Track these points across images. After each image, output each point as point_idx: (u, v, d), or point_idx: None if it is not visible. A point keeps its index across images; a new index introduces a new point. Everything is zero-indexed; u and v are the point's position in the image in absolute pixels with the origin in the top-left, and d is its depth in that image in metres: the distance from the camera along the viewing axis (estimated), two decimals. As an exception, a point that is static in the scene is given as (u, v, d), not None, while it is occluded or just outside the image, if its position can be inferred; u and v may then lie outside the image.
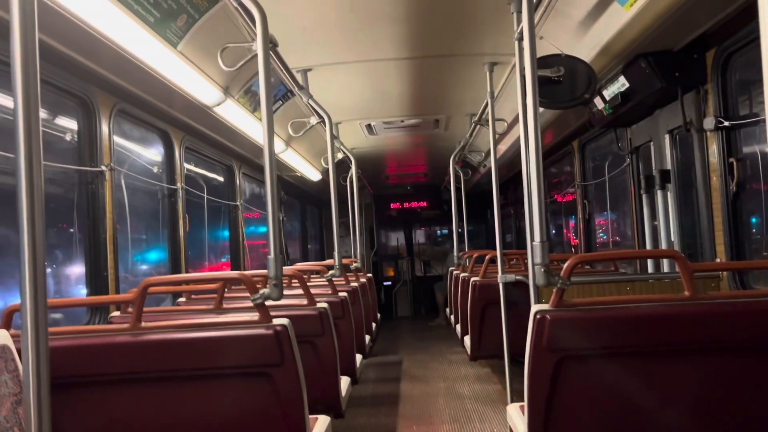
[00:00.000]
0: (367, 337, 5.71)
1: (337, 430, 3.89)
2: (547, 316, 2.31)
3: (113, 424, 2.39)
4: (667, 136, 4.12)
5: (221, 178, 6.37)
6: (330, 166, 4.93)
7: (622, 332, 2.34)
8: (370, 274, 7.78)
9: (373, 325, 6.71)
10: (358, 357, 4.64)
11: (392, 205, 13.27)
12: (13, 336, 2.26)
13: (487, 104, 4.68)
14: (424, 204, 13.24)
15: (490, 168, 4.49)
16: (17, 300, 2.78)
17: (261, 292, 2.41)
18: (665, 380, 2.36)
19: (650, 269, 4.64)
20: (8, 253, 3.32)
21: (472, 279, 5.10)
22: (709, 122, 3.45)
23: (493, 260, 5.01)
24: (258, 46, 2.58)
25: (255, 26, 2.66)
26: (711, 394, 2.33)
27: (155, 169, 4.75)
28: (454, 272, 6.76)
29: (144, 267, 4.93)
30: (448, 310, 7.93)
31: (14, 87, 1.28)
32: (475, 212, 9.80)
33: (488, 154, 8.04)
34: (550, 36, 3.87)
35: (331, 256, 4.77)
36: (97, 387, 2.35)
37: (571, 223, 8.12)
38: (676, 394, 2.35)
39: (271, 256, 2.48)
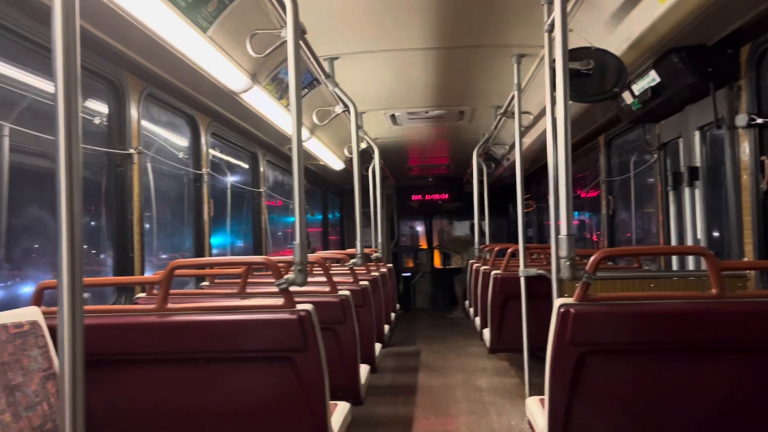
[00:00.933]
0: (386, 327, 5.73)
1: (356, 418, 3.92)
2: (572, 310, 2.30)
3: (138, 403, 2.43)
4: (697, 133, 4.06)
5: (246, 165, 6.41)
6: (354, 156, 4.93)
7: (647, 328, 2.32)
8: (390, 265, 7.79)
9: (392, 315, 6.73)
10: (377, 346, 4.66)
11: (413, 197, 13.25)
12: (44, 313, 2.30)
13: (513, 96, 4.65)
14: (446, 196, 13.20)
15: (514, 161, 4.47)
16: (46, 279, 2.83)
17: (286, 277, 2.43)
18: (689, 378, 2.34)
19: (675, 267, 4.59)
20: (38, 233, 3.38)
21: (494, 272, 5.09)
22: (741, 119, 3.39)
23: (514, 254, 5.00)
24: (288, 33, 2.59)
25: (285, 13, 2.67)
26: (736, 394, 2.30)
27: (180, 155, 4.80)
28: (475, 265, 6.75)
29: (167, 253, 4.99)
30: (467, 302, 7.92)
31: (55, 72, 1.30)
32: (497, 206, 9.75)
33: (512, 147, 7.98)
34: (581, 28, 3.82)
35: (351, 246, 4.80)
36: (123, 366, 2.39)
37: (587, 219, 8.06)
38: (700, 393, 2.33)
39: (297, 241, 2.50)
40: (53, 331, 2.26)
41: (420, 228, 13.63)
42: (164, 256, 4.90)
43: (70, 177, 1.26)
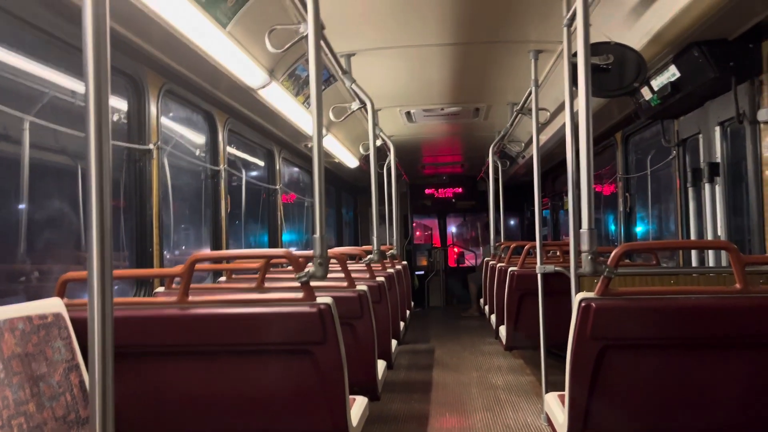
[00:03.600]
0: (402, 324, 5.73)
1: (373, 413, 3.92)
2: (593, 304, 2.29)
3: (159, 395, 2.45)
4: (717, 128, 4.02)
5: (261, 162, 6.43)
6: (371, 152, 4.93)
7: (669, 323, 2.31)
8: (405, 262, 7.79)
9: (407, 312, 6.73)
10: (393, 342, 4.66)
11: (427, 194, 13.23)
12: (66, 305, 2.33)
13: (530, 93, 4.63)
14: (460, 194, 13.17)
15: (529, 159, 4.46)
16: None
17: (306, 270, 2.43)
18: (712, 373, 2.32)
19: (694, 263, 4.55)
20: (61, 227, 3.42)
21: (510, 269, 5.07)
22: (763, 114, 3.36)
23: (530, 251, 4.98)
24: (309, 29, 2.58)
25: (305, 8, 2.67)
26: (760, 389, 2.28)
27: (197, 152, 4.83)
28: (491, 263, 6.73)
29: (182, 247, 5.03)
30: (481, 300, 7.90)
31: (85, 70, 1.31)
32: (511, 204, 9.72)
33: (528, 144, 7.96)
34: (599, 22, 3.80)
35: (366, 243, 4.80)
36: (145, 357, 2.41)
37: (602, 217, 8.00)
38: (724, 388, 2.30)
39: (317, 235, 2.50)
40: (76, 322, 2.28)
41: (434, 226, 13.61)
42: (177, 253, 4.94)
43: (100, 171, 1.28)
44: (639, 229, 6.17)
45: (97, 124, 1.31)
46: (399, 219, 7.27)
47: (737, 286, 2.28)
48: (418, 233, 13.73)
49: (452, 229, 13.75)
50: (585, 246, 2.45)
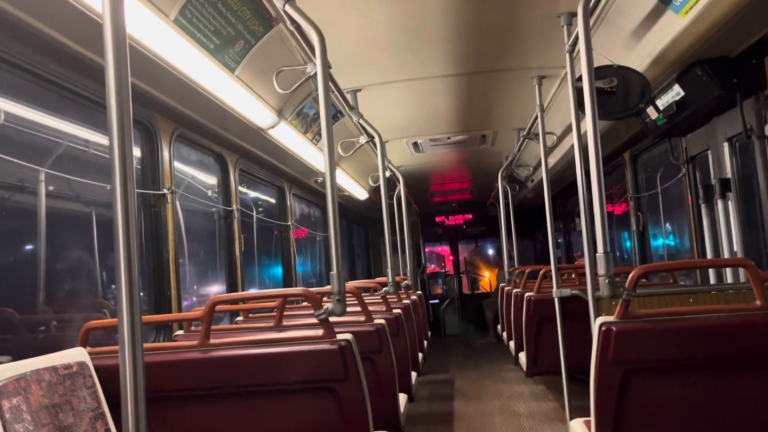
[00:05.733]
0: (420, 355, 5.69)
1: (397, 447, 3.88)
2: (613, 328, 2.28)
3: (183, 440, 2.45)
4: (725, 144, 4.02)
5: (272, 200, 6.49)
6: (381, 185, 4.97)
7: (692, 343, 2.29)
8: (419, 292, 7.77)
9: (425, 342, 6.69)
10: (413, 374, 4.63)
11: (438, 222, 13.25)
12: (90, 353, 2.35)
13: (536, 118, 4.67)
14: (471, 220, 13.18)
15: (538, 182, 4.47)
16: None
17: (325, 307, 2.45)
18: (737, 393, 2.29)
19: (712, 280, 4.52)
20: (80, 275, 3.46)
21: (527, 294, 5.05)
22: (770, 128, 3.37)
23: (545, 275, 4.96)
24: (317, 67, 2.65)
25: (313, 49, 2.73)
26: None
27: (209, 192, 4.88)
28: (506, 288, 6.70)
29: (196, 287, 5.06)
30: (499, 327, 7.84)
31: (110, 125, 1.36)
32: (523, 228, 9.70)
33: (536, 168, 7.98)
34: (601, 47, 3.85)
35: (378, 275, 4.80)
36: (169, 402, 2.42)
37: (616, 237, 7.96)
38: (752, 408, 2.28)
39: (334, 271, 2.52)
40: (100, 370, 2.30)
41: (446, 253, 13.59)
42: (195, 288, 4.97)
43: (126, 220, 1.31)
44: (654, 247, 6.14)
45: (122, 175, 1.35)
46: (411, 248, 7.28)
47: (757, 303, 2.27)
48: (431, 261, 13.71)
49: (465, 255, 13.72)
50: (602, 270, 2.45)
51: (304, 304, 4.47)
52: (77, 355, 2.30)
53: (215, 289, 5.19)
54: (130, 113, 1.35)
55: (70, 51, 2.65)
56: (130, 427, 1.25)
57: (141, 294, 3.76)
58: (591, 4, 2.84)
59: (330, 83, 3.65)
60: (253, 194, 6.18)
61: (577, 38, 3.02)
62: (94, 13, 2.34)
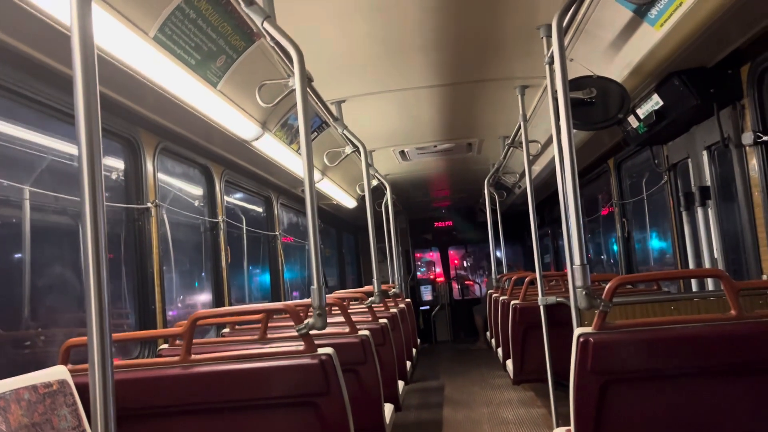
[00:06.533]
0: (408, 363, 5.70)
1: (383, 458, 3.88)
2: (591, 339, 2.30)
3: (166, 456, 2.45)
4: (704, 153, 4.07)
5: (260, 209, 6.49)
6: (366, 194, 4.99)
7: (668, 353, 2.32)
8: (408, 299, 7.78)
9: (414, 350, 6.70)
10: (400, 383, 4.64)
11: (427, 229, 13.27)
12: (71, 371, 2.35)
13: (519, 127, 4.71)
14: (460, 226, 13.21)
15: (525, 189, 4.50)
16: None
17: (306, 322, 2.46)
18: (714, 402, 2.32)
19: (695, 287, 4.56)
20: (60, 291, 3.45)
21: (513, 302, 5.07)
22: (747, 137, 3.41)
23: (532, 282, 4.99)
24: (296, 83, 2.67)
25: (291, 63, 2.76)
26: (762, 416, 2.28)
27: (196, 203, 4.89)
28: (494, 295, 6.73)
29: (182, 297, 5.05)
30: (488, 333, 7.87)
31: (78, 135, 1.36)
32: (512, 233, 9.74)
33: (522, 175, 8.03)
34: (581, 58, 3.89)
35: (368, 282, 4.81)
36: (150, 419, 2.42)
37: (603, 242, 8.02)
38: (726, 417, 2.30)
39: (314, 286, 2.53)
40: (81, 388, 2.30)
41: (436, 259, 13.61)
42: (180, 298, 4.96)
43: (96, 236, 1.32)
44: (640, 252, 6.18)
45: (91, 189, 1.34)
46: (401, 255, 7.29)
47: (732, 312, 2.30)
48: (420, 268, 13.73)
49: (455, 261, 13.75)
50: (579, 282, 2.48)
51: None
52: (58, 373, 2.30)
53: (203, 298, 5.19)
54: (98, 125, 1.35)
55: (40, 63, 2.65)
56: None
57: (127, 308, 3.77)
58: (567, 18, 2.87)
59: (313, 95, 3.69)
60: (241, 204, 6.18)
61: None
62: (62, 26, 2.33)
